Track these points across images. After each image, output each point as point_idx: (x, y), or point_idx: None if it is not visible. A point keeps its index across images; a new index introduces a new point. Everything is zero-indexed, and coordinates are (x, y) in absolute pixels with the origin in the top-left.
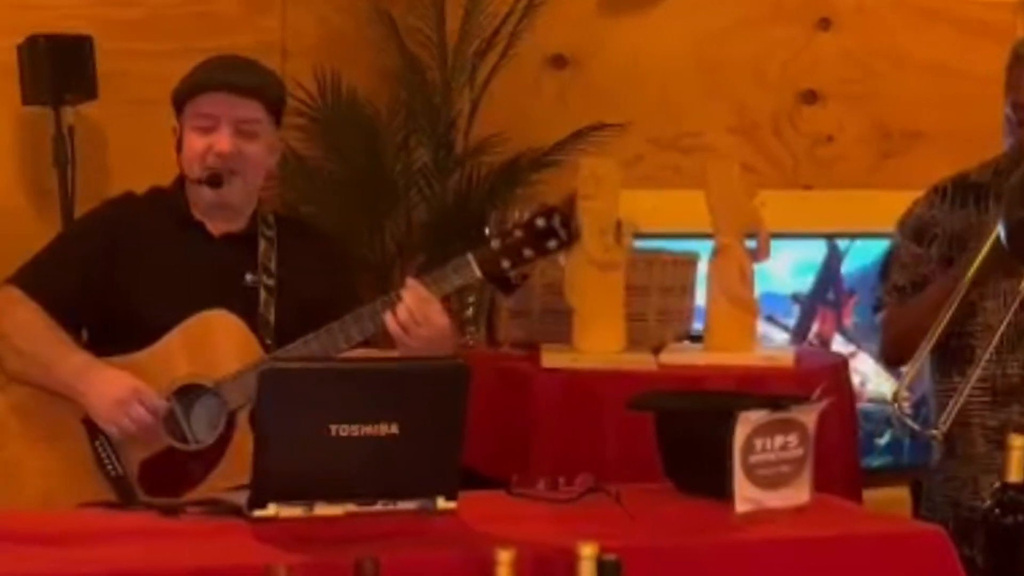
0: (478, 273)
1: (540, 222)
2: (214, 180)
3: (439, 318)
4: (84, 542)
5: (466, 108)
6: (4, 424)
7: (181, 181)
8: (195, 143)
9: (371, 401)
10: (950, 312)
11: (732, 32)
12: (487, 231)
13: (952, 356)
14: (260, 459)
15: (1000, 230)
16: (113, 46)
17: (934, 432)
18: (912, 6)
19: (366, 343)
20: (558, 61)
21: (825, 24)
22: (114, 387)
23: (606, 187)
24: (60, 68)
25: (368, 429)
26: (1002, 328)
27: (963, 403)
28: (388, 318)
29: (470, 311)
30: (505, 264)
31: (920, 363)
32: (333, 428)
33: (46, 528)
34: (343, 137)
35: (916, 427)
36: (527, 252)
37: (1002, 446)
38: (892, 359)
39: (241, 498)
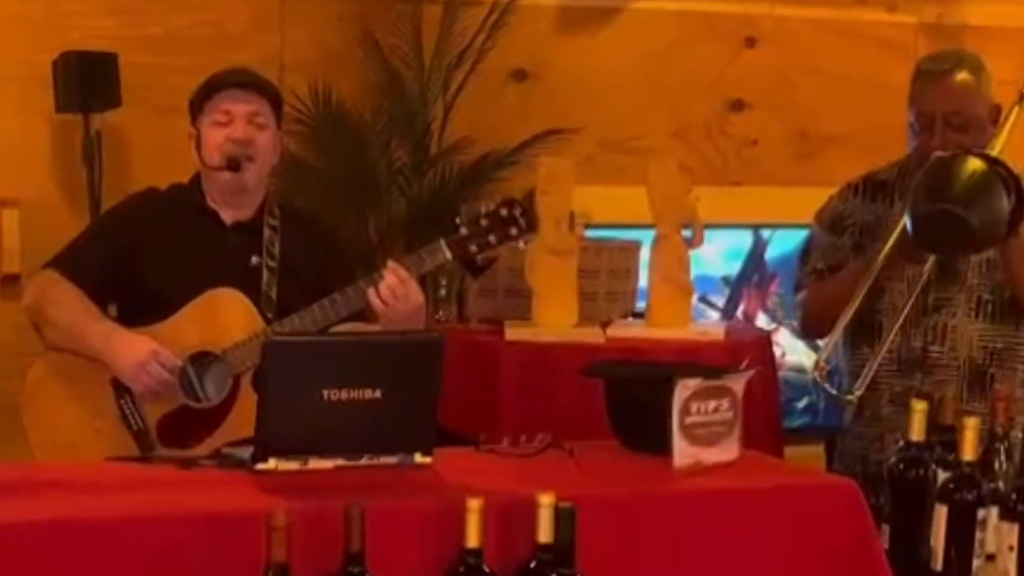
0: (448, 256)
1: (503, 212)
2: (232, 164)
3: (416, 296)
4: (112, 490)
5: (440, 115)
6: (42, 384)
7: (198, 177)
8: (214, 135)
9: (358, 369)
10: (863, 293)
11: (670, 49)
12: (457, 220)
13: (863, 331)
14: (262, 419)
15: (906, 222)
16: (135, 61)
17: (849, 397)
18: (826, 26)
19: (354, 317)
20: (519, 74)
21: (750, 42)
22: (135, 350)
23: (561, 184)
24: (89, 80)
25: (355, 394)
26: (907, 308)
27: (873, 371)
28: (371, 294)
29: (443, 291)
30: (472, 248)
31: (836, 337)
32: (325, 393)
33: (79, 477)
34: (333, 140)
35: (833, 391)
36: (492, 238)
37: (905, 408)
38: (811, 332)
39: (246, 453)
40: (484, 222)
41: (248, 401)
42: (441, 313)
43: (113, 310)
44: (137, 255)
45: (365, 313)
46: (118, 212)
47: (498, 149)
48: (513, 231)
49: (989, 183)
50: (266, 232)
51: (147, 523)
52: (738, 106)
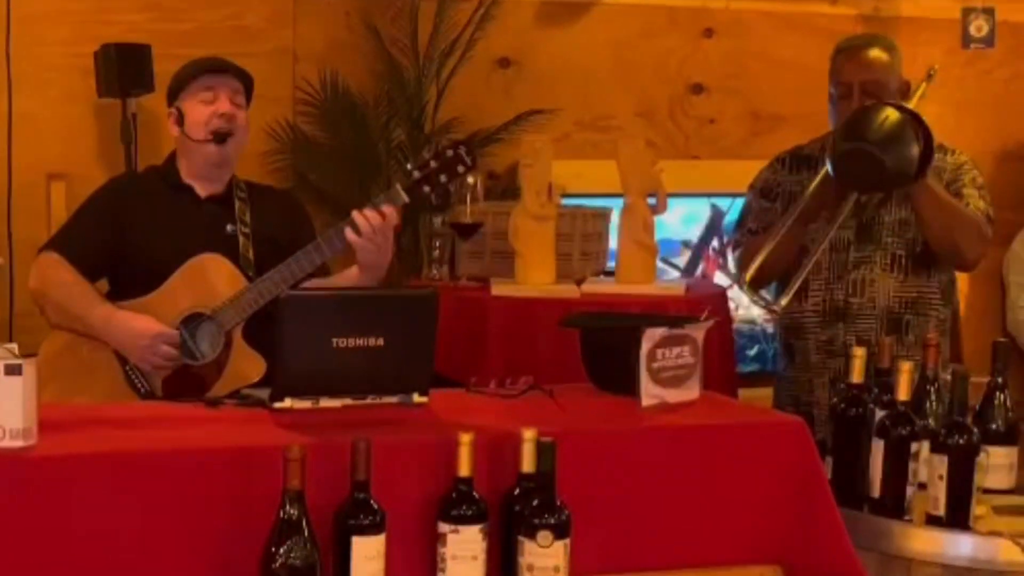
0: (405, 198)
1: (449, 152)
2: (220, 137)
3: (390, 232)
4: (147, 426)
5: (433, 98)
6: (52, 362)
7: (171, 157)
8: (200, 111)
9: (364, 320)
10: (790, 222)
11: (637, 39)
12: (409, 166)
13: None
14: (279, 364)
15: (827, 163)
16: (167, 52)
17: (774, 307)
18: (776, 18)
19: (318, 272)
20: (503, 62)
21: (709, 32)
22: (138, 332)
23: (541, 158)
24: (126, 69)
25: (361, 341)
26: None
27: (801, 322)
28: (349, 232)
29: (437, 252)
30: (426, 189)
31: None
32: (335, 341)
33: (118, 415)
34: (340, 121)
35: (762, 301)
36: (442, 177)
37: (831, 355)
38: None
39: (264, 394)
40: (434, 164)
41: (241, 353)
42: (435, 272)
43: (104, 284)
44: (126, 231)
45: (327, 267)
46: (105, 194)
47: (485, 128)
48: (461, 168)
49: (902, 129)
50: (237, 203)
51: (179, 455)
52: (697, 89)
